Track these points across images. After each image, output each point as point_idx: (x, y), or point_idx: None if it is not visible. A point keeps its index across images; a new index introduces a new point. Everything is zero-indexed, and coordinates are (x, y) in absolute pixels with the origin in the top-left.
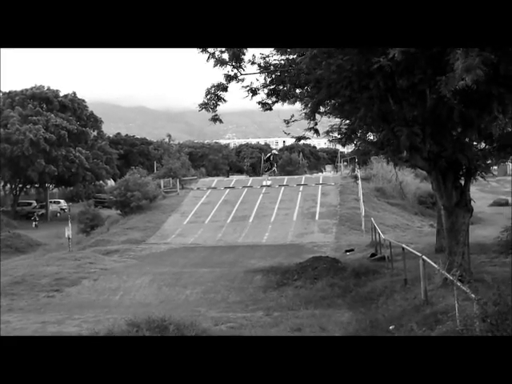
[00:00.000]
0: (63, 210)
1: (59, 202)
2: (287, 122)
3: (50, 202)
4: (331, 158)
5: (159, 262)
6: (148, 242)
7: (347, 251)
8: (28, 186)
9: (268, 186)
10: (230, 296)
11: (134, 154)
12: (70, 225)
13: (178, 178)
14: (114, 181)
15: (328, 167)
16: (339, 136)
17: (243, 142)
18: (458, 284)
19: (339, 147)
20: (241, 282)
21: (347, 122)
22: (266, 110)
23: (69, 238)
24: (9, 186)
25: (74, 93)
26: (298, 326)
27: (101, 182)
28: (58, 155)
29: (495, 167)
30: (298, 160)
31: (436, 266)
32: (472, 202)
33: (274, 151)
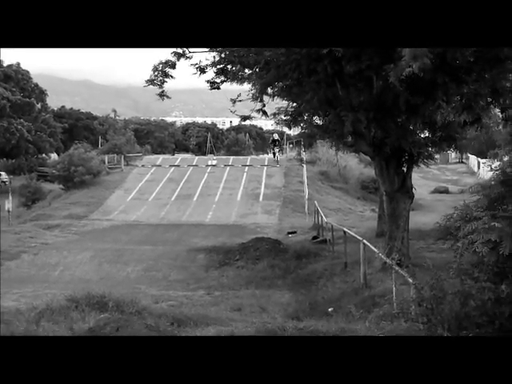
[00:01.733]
0: (4, 182)
1: (0, 174)
2: (234, 101)
3: None
4: None
5: (101, 238)
6: (90, 218)
7: (289, 233)
8: None
9: (213, 165)
10: (172, 274)
11: (78, 128)
12: (10, 197)
13: (122, 154)
14: (58, 155)
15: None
16: (286, 118)
17: (190, 120)
18: (396, 268)
19: (286, 129)
20: (183, 261)
21: (294, 104)
22: (214, 88)
23: (9, 211)
24: None
25: (18, 63)
26: (239, 306)
27: (44, 155)
28: None
29: (437, 155)
30: (244, 141)
31: (376, 250)
32: (413, 189)
33: (274, 135)
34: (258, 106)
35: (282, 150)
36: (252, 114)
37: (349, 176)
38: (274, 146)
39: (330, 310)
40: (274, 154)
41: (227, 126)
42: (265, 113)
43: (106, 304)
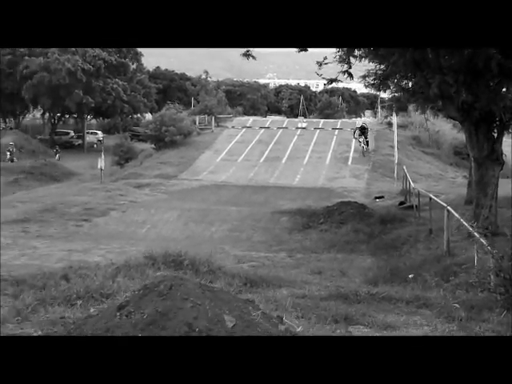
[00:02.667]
0: (100, 141)
1: (96, 133)
2: (320, 63)
3: (88, 132)
4: (371, 103)
5: (189, 197)
6: (179, 178)
7: (377, 198)
8: (66, 116)
9: (303, 128)
10: (255, 235)
11: (172, 89)
12: (102, 156)
13: (213, 115)
14: (152, 115)
15: (367, 112)
16: (373, 81)
17: (283, 82)
18: (478, 236)
19: (380, 93)
20: (267, 223)
21: (382, 67)
22: (301, 51)
23: (101, 169)
24: (48, 114)
25: None
26: (319, 269)
27: (138, 115)
28: (95, 86)
29: None
30: (337, 104)
31: (459, 217)
32: (503, 156)
33: (363, 124)
34: (345, 67)
35: (367, 143)
36: (339, 77)
37: (441, 141)
38: (360, 135)
39: (410, 276)
40: (360, 143)
41: (321, 88)
42: (351, 75)
43: (182, 262)
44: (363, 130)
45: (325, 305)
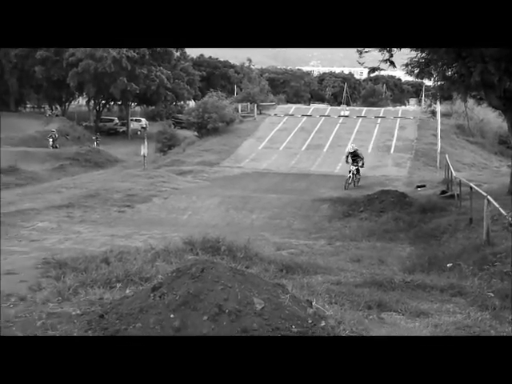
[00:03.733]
0: (144, 128)
1: (140, 121)
2: (360, 52)
3: (132, 119)
4: (416, 91)
5: (230, 185)
6: (221, 165)
7: (418, 187)
8: (111, 103)
9: (346, 116)
10: (295, 223)
11: (215, 76)
12: (145, 143)
13: (256, 102)
14: (195, 102)
15: (412, 100)
16: (414, 69)
17: (327, 70)
18: None
19: (425, 81)
20: (307, 210)
21: (423, 55)
22: None
23: (144, 156)
24: (92, 102)
25: None
26: (358, 257)
27: (182, 102)
28: (139, 73)
29: None
30: (381, 92)
31: (498, 206)
32: None
33: (355, 149)
34: (386, 56)
35: (357, 171)
36: (380, 66)
37: (486, 130)
38: (353, 162)
39: (448, 265)
40: (350, 172)
41: (365, 76)
42: (392, 63)
43: (219, 248)
44: (355, 157)
45: (359, 291)
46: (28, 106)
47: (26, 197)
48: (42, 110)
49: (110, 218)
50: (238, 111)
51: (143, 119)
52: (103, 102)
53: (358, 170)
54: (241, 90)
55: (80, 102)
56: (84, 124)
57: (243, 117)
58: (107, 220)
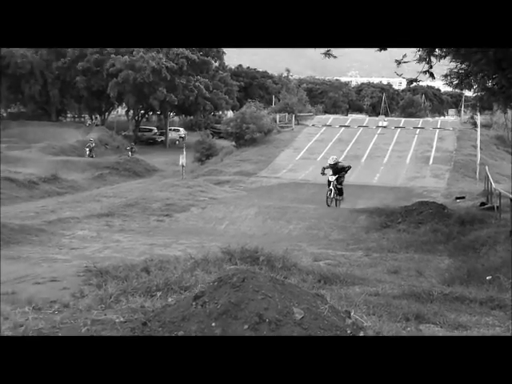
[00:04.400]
0: (182, 138)
1: (179, 130)
2: (398, 62)
3: (170, 129)
4: (455, 101)
5: (267, 195)
6: (259, 175)
7: (458, 198)
8: (150, 113)
9: (384, 126)
10: (332, 234)
11: (253, 86)
12: (184, 153)
13: (293, 113)
14: (233, 112)
15: (451, 111)
16: (454, 80)
17: (365, 80)
18: None
19: (465, 91)
20: (344, 221)
21: (463, 66)
22: (381, 50)
23: (182, 166)
24: (132, 111)
25: None
26: (396, 269)
27: (220, 112)
28: (178, 84)
29: None
30: (420, 102)
31: None
32: None
33: (336, 160)
34: (425, 67)
35: (340, 191)
36: (419, 77)
37: None
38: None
39: (487, 278)
40: (329, 191)
41: (403, 86)
42: (432, 75)
43: (258, 258)
44: (336, 170)
45: (397, 303)
46: (69, 115)
47: (66, 205)
48: (82, 119)
49: (148, 227)
50: (275, 121)
51: (182, 129)
52: (142, 111)
53: (340, 190)
54: (279, 100)
55: (119, 112)
56: (123, 133)
57: (281, 127)
58: (146, 229)
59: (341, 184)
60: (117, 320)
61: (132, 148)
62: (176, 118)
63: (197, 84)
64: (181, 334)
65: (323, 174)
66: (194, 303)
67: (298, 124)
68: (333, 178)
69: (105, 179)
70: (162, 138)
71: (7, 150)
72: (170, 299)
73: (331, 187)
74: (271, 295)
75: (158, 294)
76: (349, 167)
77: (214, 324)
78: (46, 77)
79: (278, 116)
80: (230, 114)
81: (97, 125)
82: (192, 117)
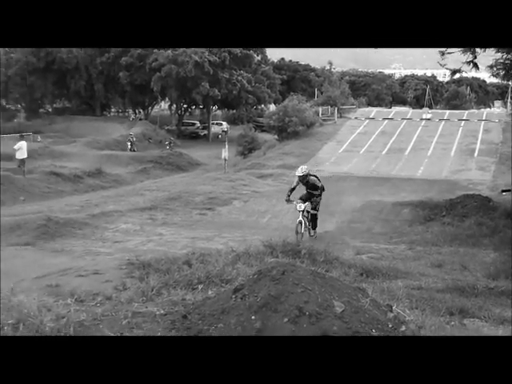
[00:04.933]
0: (224, 131)
1: (221, 124)
2: (442, 53)
3: (213, 123)
4: (501, 93)
5: None
6: None
7: (504, 191)
8: (193, 107)
9: (428, 119)
10: (375, 227)
11: (296, 80)
12: (226, 146)
13: (336, 106)
14: (276, 106)
15: (497, 103)
16: (500, 71)
17: (409, 72)
18: None
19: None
20: (387, 214)
21: (509, 56)
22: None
23: (225, 160)
24: (175, 106)
25: None
26: (440, 262)
27: (262, 106)
28: (221, 78)
29: None
30: (465, 94)
31: None
32: None
33: (305, 172)
34: (469, 57)
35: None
36: (463, 68)
37: None
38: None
39: None
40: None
41: (448, 78)
42: (476, 65)
43: (299, 251)
44: (308, 186)
45: (440, 297)
46: (113, 110)
47: (110, 199)
48: (126, 114)
49: (191, 221)
50: (318, 114)
51: (224, 123)
52: (185, 105)
53: (313, 219)
54: (321, 93)
55: (163, 106)
56: (166, 128)
57: (324, 120)
58: (189, 223)
59: (315, 208)
60: (157, 312)
61: (170, 142)
62: (218, 112)
63: (239, 78)
64: (220, 326)
65: (288, 200)
66: (233, 296)
67: (341, 117)
68: (302, 207)
69: (148, 173)
70: (205, 132)
71: (53, 145)
72: (210, 292)
73: (300, 218)
74: (311, 288)
75: (200, 286)
76: (322, 188)
77: (253, 317)
78: (90, 72)
79: (320, 109)
80: (272, 107)
81: (140, 119)
82: (234, 110)
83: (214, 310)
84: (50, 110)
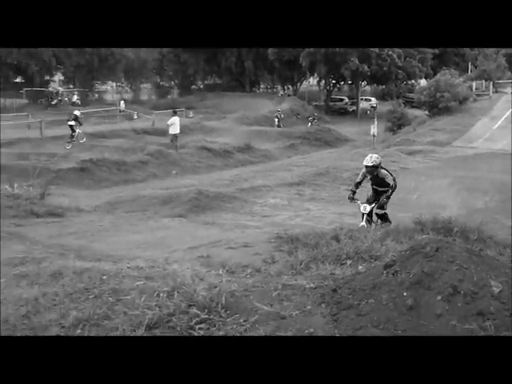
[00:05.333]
0: (373, 107)
1: (370, 100)
2: None
3: (361, 99)
4: None
5: (461, 165)
6: (453, 145)
7: None
8: (341, 83)
9: None
10: None
11: (448, 53)
12: (375, 122)
13: (491, 80)
14: (427, 81)
15: None
16: None
17: None
18: None
19: None
20: None
21: None
22: None
23: (374, 136)
24: (323, 81)
25: None
26: None
27: (413, 81)
28: (371, 53)
29: None
30: None
31: None
32: None
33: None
34: None
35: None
36: None
37: None
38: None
39: None
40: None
41: None
42: None
43: (451, 229)
44: (376, 182)
45: None
46: (262, 86)
47: (258, 174)
48: (275, 90)
49: (338, 197)
50: (471, 89)
51: (373, 98)
52: (334, 81)
53: (381, 216)
54: (475, 67)
55: (311, 82)
56: (314, 103)
57: (477, 95)
58: (336, 198)
59: (382, 207)
60: (307, 286)
61: (314, 118)
62: (367, 88)
63: (389, 53)
64: (371, 301)
65: (352, 199)
66: (384, 272)
67: (496, 92)
68: (367, 209)
69: (296, 149)
70: (354, 108)
71: (204, 120)
72: (360, 267)
73: (363, 222)
74: (466, 266)
75: (348, 262)
76: (394, 186)
77: (405, 293)
78: (240, 49)
79: (474, 84)
80: (423, 82)
81: (289, 95)
82: (384, 86)
83: (365, 284)
84: (201, 86)
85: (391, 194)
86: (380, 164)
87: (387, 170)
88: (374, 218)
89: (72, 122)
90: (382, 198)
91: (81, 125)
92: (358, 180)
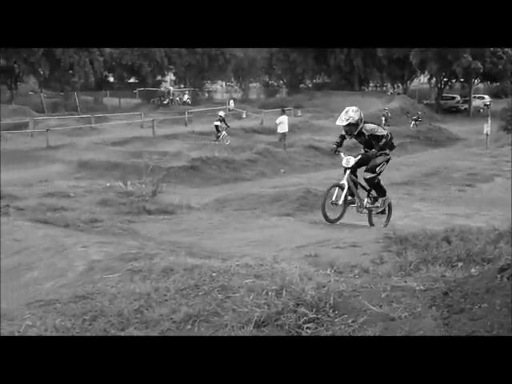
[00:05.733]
0: (487, 105)
1: (483, 98)
2: None
3: (474, 97)
4: None
5: None
6: None
7: None
8: (453, 80)
9: None
10: None
11: None
12: (489, 121)
13: None
14: None
15: None
16: None
17: None
18: None
19: None
20: None
21: None
22: None
23: (487, 135)
24: (434, 79)
25: None
26: None
27: None
28: (485, 50)
29: None
30: None
31: None
32: None
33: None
34: None
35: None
36: None
37: None
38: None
39: None
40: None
41: None
42: None
43: None
44: (363, 137)
45: None
46: (371, 84)
47: None
48: (384, 88)
49: (449, 197)
50: None
51: (487, 96)
52: (445, 79)
53: (370, 181)
54: None
55: (422, 80)
56: (425, 102)
57: None
58: (446, 199)
59: (372, 171)
60: (417, 288)
61: (418, 117)
62: (480, 85)
63: (506, 49)
64: (484, 306)
65: (336, 151)
66: (499, 276)
67: None
68: (350, 162)
69: (405, 148)
70: (466, 106)
71: (312, 119)
72: (472, 270)
73: (344, 180)
74: None
75: (459, 264)
76: (390, 143)
77: None
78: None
79: None
80: None
81: (398, 93)
82: (498, 83)
83: (477, 288)
84: (310, 85)
85: (384, 143)
86: (361, 119)
87: (374, 124)
88: (366, 199)
89: (217, 123)
90: (373, 151)
91: (228, 127)
92: (337, 143)
